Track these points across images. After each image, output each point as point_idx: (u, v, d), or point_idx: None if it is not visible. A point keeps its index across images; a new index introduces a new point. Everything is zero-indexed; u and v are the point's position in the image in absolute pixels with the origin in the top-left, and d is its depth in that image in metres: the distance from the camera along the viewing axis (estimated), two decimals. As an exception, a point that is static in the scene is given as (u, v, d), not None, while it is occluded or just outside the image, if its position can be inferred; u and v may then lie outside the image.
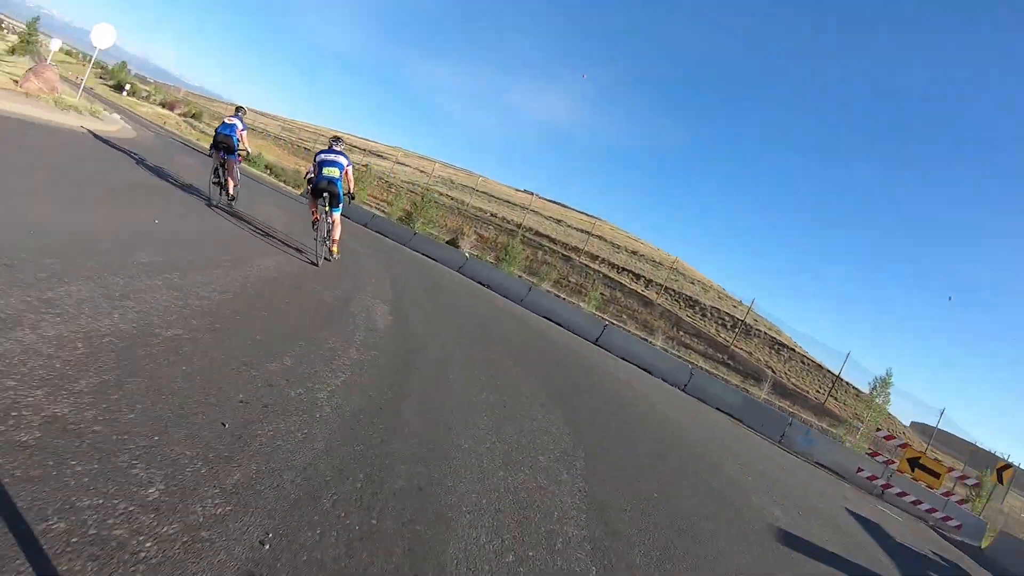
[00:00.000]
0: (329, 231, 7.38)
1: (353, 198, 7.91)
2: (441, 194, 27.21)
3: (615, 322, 18.53)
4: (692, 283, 36.06)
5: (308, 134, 36.61)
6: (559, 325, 13.75)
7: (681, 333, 28.68)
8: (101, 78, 52.27)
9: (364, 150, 30.83)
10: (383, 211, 26.53)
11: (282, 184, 25.57)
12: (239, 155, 9.42)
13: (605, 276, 30.98)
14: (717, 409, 11.60)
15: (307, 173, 9.60)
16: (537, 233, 29.80)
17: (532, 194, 29.07)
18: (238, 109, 9.88)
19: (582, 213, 33.02)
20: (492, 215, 28.25)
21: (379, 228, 19.78)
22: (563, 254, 30.39)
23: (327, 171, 7.24)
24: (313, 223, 7.42)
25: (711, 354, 27.74)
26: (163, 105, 42.27)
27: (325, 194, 7.25)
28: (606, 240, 33.99)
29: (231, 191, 9.25)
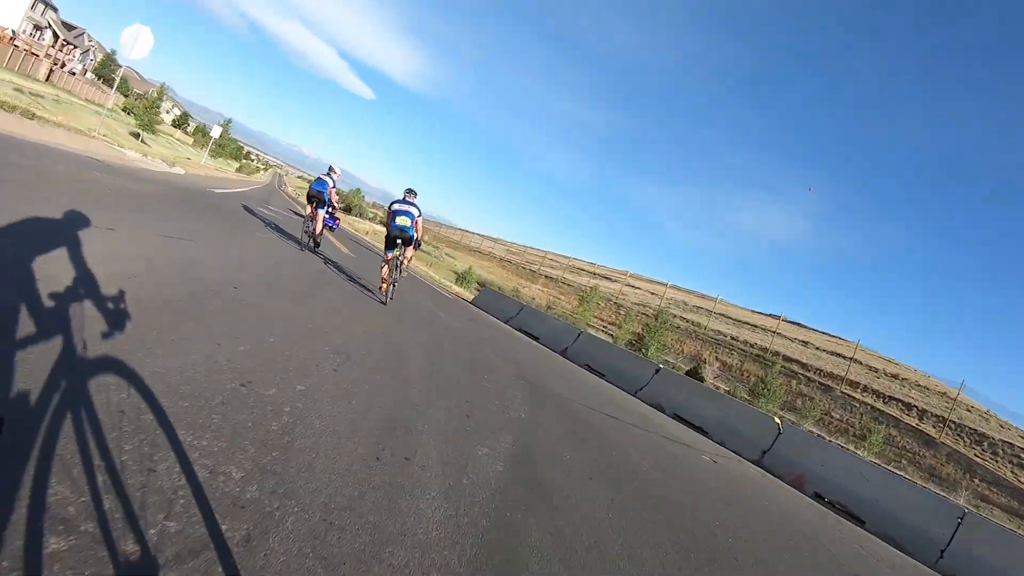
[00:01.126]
0: (399, 266, 8.04)
1: (419, 246, 8.43)
2: (674, 316, 25.48)
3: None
4: (968, 410, 28.71)
5: (534, 257, 38.60)
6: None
7: (976, 481, 22.07)
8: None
9: (593, 273, 31.04)
10: (610, 333, 25.40)
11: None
12: (331, 212, 10.72)
13: (872, 408, 25.75)
14: None
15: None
16: (786, 358, 26.21)
17: (779, 317, 25.95)
18: (330, 169, 10.79)
19: (825, 334, 28.73)
20: (733, 338, 25.58)
21: (592, 360, 11.40)
22: (820, 383, 26.14)
23: (399, 220, 7.88)
24: (383, 268, 8.09)
25: (1017, 509, 20.65)
26: (383, 223, 49.00)
27: (398, 240, 7.92)
28: (860, 363, 28.90)
29: (316, 238, 10.54)
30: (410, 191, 8.19)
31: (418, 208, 8.03)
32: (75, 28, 62.28)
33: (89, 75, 58.40)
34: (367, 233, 36.61)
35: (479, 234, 47.37)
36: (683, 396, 9.54)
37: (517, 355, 8.71)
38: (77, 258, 3.47)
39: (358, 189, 69.89)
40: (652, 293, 28.29)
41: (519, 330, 13.83)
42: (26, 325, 2.29)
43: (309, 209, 10.46)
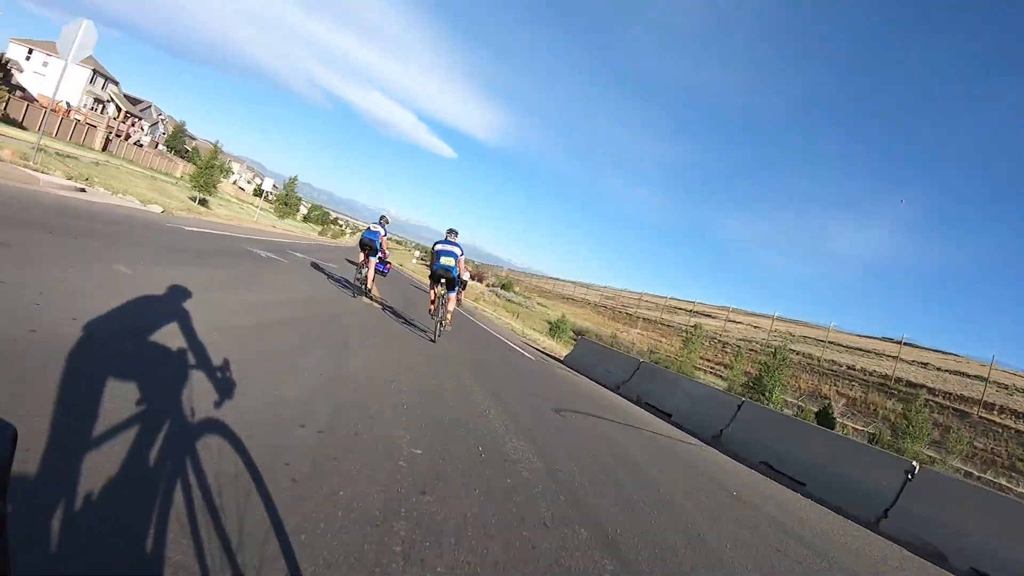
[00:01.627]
0: (444, 309, 8.30)
1: (464, 284, 8.23)
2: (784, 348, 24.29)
3: None
4: (1112, 419, 26.06)
5: (629, 300, 38.00)
6: None
7: None
8: (421, 259, 64.68)
9: (691, 311, 30.18)
10: (720, 375, 24.39)
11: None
12: (383, 259, 11.12)
13: (1017, 432, 23.73)
14: None
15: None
16: (910, 384, 24.58)
17: (899, 341, 24.39)
18: (382, 218, 11.01)
19: (938, 352, 26.79)
20: (850, 368, 24.18)
21: (774, 453, 7.22)
22: (953, 408, 24.35)
23: (444, 260, 8.23)
24: (431, 306, 8.53)
25: None
26: (472, 277, 49.49)
27: (442, 279, 8.21)
28: (990, 381, 26.80)
29: (369, 284, 10.71)
30: (452, 231, 8.60)
31: (460, 248, 8.42)
32: (141, 102, 66.26)
33: (161, 147, 61.79)
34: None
35: (571, 281, 46.99)
36: (981, 525, 5.18)
37: (662, 525, 3.50)
38: None
39: None
40: (755, 327, 27.06)
41: (636, 402, 10.02)
42: None
43: (362, 257, 10.81)
